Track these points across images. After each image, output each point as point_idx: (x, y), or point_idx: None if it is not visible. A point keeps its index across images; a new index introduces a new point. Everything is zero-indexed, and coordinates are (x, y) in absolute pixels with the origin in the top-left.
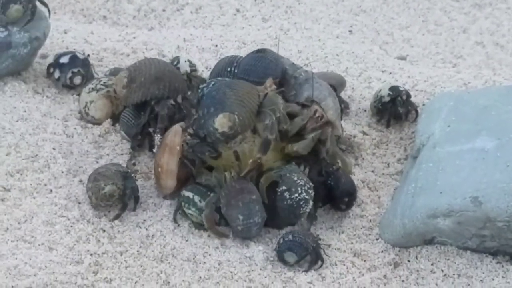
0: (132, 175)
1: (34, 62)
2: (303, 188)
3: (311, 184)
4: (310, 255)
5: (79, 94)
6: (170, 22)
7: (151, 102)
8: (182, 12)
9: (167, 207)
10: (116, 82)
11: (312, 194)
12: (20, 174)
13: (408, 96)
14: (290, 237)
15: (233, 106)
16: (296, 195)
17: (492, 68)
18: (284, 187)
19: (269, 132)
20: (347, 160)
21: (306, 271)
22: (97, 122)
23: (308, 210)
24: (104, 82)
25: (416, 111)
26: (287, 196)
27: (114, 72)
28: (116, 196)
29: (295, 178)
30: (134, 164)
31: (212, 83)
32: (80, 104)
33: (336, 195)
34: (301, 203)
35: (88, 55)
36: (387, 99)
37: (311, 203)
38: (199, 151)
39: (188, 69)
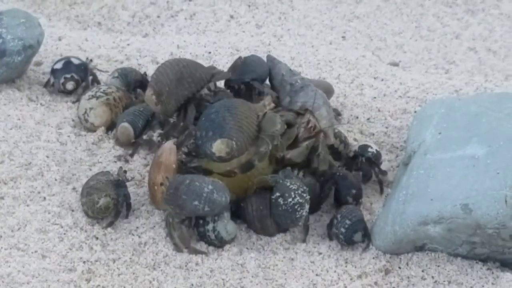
0: (124, 182)
1: (28, 70)
2: (296, 192)
3: (305, 187)
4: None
5: (74, 102)
6: (164, 28)
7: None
8: (176, 19)
9: (159, 214)
10: (148, 103)
11: (307, 197)
12: (13, 182)
13: (372, 158)
14: (347, 221)
15: (232, 132)
16: (290, 199)
17: (484, 74)
18: (277, 194)
19: (257, 158)
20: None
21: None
22: (95, 129)
23: (304, 213)
24: (104, 90)
25: (380, 182)
26: (281, 202)
27: (122, 73)
28: (111, 207)
29: (288, 184)
30: (125, 172)
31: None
32: (79, 111)
33: (342, 188)
34: (296, 207)
35: (91, 60)
36: (351, 154)
37: (307, 206)
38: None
39: None
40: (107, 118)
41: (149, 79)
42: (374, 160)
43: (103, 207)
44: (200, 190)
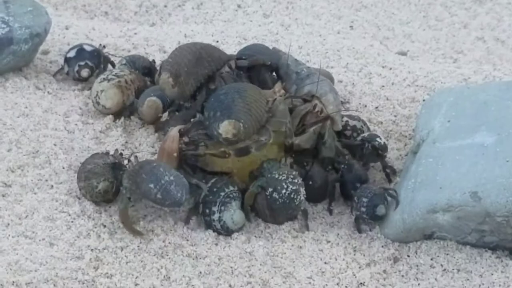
0: (121, 164)
1: (35, 58)
2: (286, 181)
3: (294, 173)
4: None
5: (87, 89)
6: (171, 18)
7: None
8: (184, 8)
9: None
10: (163, 87)
11: (299, 181)
12: (21, 170)
13: (378, 147)
14: (364, 199)
15: (240, 114)
16: (284, 191)
17: (492, 63)
18: (270, 189)
19: (255, 146)
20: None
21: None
22: (107, 112)
23: (303, 197)
24: (116, 73)
25: (387, 174)
26: (277, 196)
27: (130, 60)
28: (110, 191)
29: (276, 176)
30: (121, 154)
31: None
32: (92, 93)
33: (347, 181)
34: (292, 195)
35: (104, 46)
36: (358, 138)
37: (302, 189)
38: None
39: None
40: (118, 100)
41: (161, 65)
42: (380, 150)
43: (102, 191)
44: (161, 176)
